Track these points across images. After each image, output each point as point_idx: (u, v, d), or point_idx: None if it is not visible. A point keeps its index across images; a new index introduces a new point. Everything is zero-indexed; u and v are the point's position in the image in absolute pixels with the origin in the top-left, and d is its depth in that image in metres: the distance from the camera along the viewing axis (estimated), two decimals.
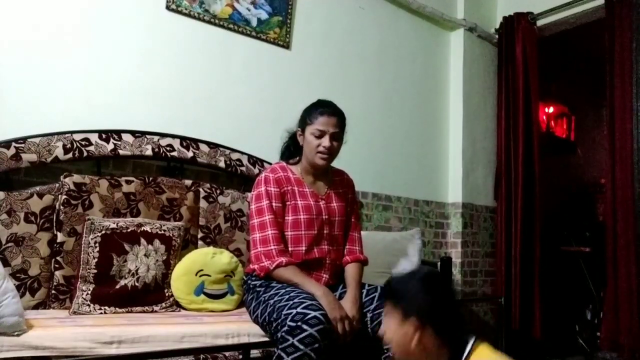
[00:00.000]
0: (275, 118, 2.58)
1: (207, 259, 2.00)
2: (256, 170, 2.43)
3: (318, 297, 1.56)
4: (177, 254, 2.01)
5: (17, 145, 1.87)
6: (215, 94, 2.47)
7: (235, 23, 2.54)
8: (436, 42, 3.52)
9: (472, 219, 3.47)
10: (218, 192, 2.26)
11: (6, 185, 1.85)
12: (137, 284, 1.85)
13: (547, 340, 3.33)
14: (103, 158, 2.08)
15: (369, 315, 1.68)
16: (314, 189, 1.86)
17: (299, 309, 1.45)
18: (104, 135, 2.07)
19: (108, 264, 1.82)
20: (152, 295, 1.89)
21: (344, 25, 3.00)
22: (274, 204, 1.76)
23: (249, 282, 1.79)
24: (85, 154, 2.01)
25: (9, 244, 1.77)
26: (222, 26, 2.50)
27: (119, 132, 2.11)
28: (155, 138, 2.19)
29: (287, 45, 2.73)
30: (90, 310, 1.75)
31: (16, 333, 1.38)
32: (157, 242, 1.94)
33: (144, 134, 2.17)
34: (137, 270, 1.86)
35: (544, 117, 4.80)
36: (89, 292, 1.77)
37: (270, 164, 2.46)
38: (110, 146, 2.07)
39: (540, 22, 3.54)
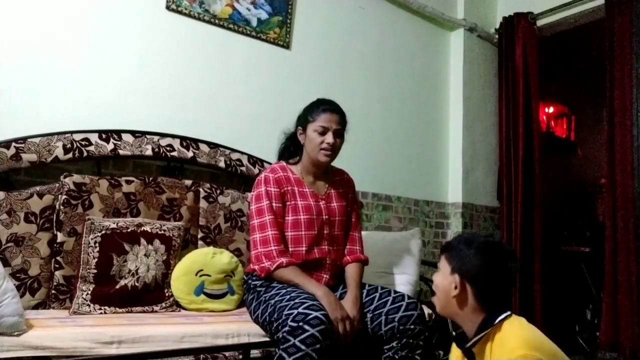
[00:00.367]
0: (275, 118, 2.58)
1: (207, 259, 2.00)
2: (256, 170, 2.43)
3: (319, 297, 1.56)
4: (177, 254, 2.00)
5: (17, 145, 1.87)
6: (215, 94, 2.47)
7: (235, 23, 2.54)
8: (436, 42, 3.52)
9: (472, 219, 3.47)
10: (218, 192, 2.26)
11: (6, 185, 1.85)
12: (137, 284, 1.85)
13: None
14: (103, 158, 2.08)
15: (369, 315, 1.68)
16: (314, 189, 1.86)
17: (300, 309, 1.45)
18: (104, 135, 2.07)
19: (108, 264, 1.82)
20: (152, 295, 1.89)
21: (344, 25, 3.00)
22: (274, 205, 1.76)
23: (250, 282, 1.79)
24: (85, 154, 2.01)
25: (9, 244, 1.77)
26: (222, 26, 2.50)
27: (119, 132, 2.11)
28: (155, 138, 2.19)
29: (287, 45, 2.73)
30: (90, 310, 1.74)
31: (16, 333, 1.38)
32: (157, 242, 1.94)
33: (144, 134, 2.17)
34: (137, 270, 1.86)
35: (544, 117, 4.80)
36: (89, 292, 1.77)
37: (270, 164, 2.46)
38: (110, 146, 2.07)
39: (540, 22, 3.54)
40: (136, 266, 1.87)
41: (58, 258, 1.83)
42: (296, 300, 1.51)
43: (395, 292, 1.74)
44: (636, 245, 2.84)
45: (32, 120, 1.98)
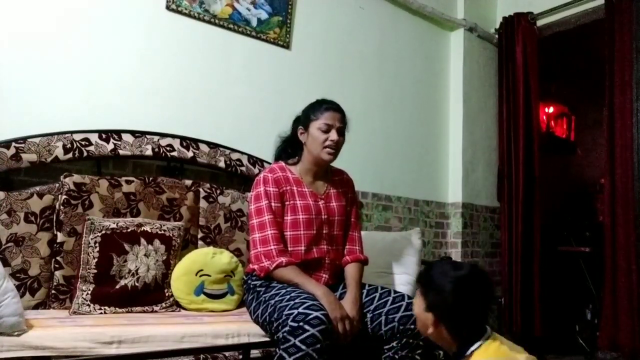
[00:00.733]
0: (275, 118, 2.58)
1: (207, 259, 2.00)
2: (256, 170, 2.43)
3: (318, 296, 1.56)
4: (177, 254, 2.00)
5: (17, 145, 1.87)
6: (215, 94, 2.47)
7: (235, 23, 2.54)
8: (436, 42, 3.52)
9: (472, 219, 3.47)
10: (218, 192, 2.26)
11: (6, 185, 1.85)
12: (137, 284, 1.85)
13: (547, 339, 3.33)
14: (103, 158, 2.08)
15: (369, 315, 1.68)
16: (313, 189, 1.86)
17: (300, 309, 1.45)
18: (104, 135, 2.07)
19: (108, 264, 1.82)
20: (152, 295, 1.89)
21: (344, 25, 3.00)
22: (273, 204, 1.76)
23: (249, 282, 1.78)
24: (85, 154, 2.01)
25: (9, 244, 1.77)
26: (222, 26, 2.50)
27: (119, 132, 2.11)
28: (155, 138, 2.19)
29: (287, 45, 2.73)
30: (90, 310, 1.74)
31: (16, 333, 1.38)
32: (157, 242, 1.94)
33: (144, 134, 2.17)
34: (137, 270, 1.86)
35: (544, 117, 4.80)
36: (89, 292, 1.77)
37: (270, 164, 2.47)
38: (110, 146, 2.07)
39: (540, 22, 3.55)
40: (136, 266, 1.87)
41: (58, 258, 1.83)
42: (296, 300, 1.51)
43: (395, 292, 1.74)
44: (636, 245, 2.84)
45: (32, 120, 1.98)
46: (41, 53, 2.04)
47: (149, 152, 2.16)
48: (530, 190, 3.43)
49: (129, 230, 1.90)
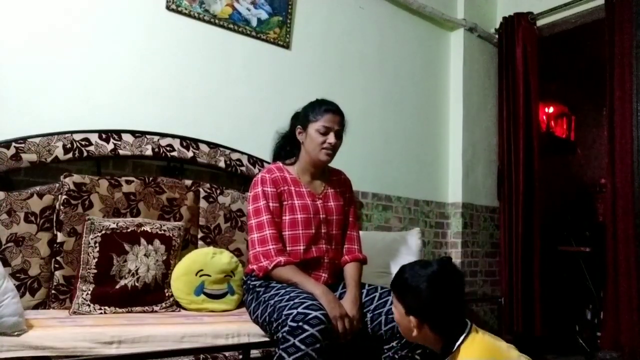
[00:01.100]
0: (275, 118, 2.56)
1: (207, 259, 2.00)
2: (256, 170, 2.43)
3: (317, 295, 1.56)
4: (177, 254, 2.00)
5: (17, 145, 1.87)
6: (215, 94, 2.47)
7: (235, 23, 2.54)
8: (436, 42, 3.52)
9: (472, 219, 3.47)
10: (218, 192, 2.26)
11: (6, 185, 1.85)
12: (137, 284, 1.85)
13: (547, 339, 3.34)
14: (103, 158, 2.08)
15: (369, 315, 1.68)
16: (311, 189, 1.87)
17: (299, 309, 1.45)
18: (104, 135, 2.07)
19: (108, 264, 1.82)
20: (152, 295, 1.89)
21: (344, 25, 3.00)
22: (271, 204, 1.77)
23: (249, 282, 1.79)
24: (85, 154, 2.01)
25: (9, 244, 1.77)
26: (222, 26, 2.50)
27: (119, 132, 2.11)
28: (155, 138, 2.19)
29: (287, 45, 2.73)
30: (90, 310, 1.74)
31: (16, 333, 1.38)
32: (157, 242, 1.94)
33: (144, 134, 2.17)
34: (137, 270, 1.86)
35: (544, 117, 4.80)
36: (89, 292, 1.77)
37: (270, 164, 2.46)
38: (110, 146, 2.07)
39: (540, 22, 3.54)
40: (136, 266, 1.87)
41: (58, 258, 1.83)
42: (295, 300, 1.51)
43: None
44: (636, 244, 2.84)
45: (32, 120, 1.98)
46: (41, 53, 2.04)
47: (149, 152, 2.16)
48: (530, 190, 3.43)
49: (129, 230, 1.90)
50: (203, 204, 2.21)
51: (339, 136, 1.81)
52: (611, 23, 3.05)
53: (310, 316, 1.43)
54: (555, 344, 3.45)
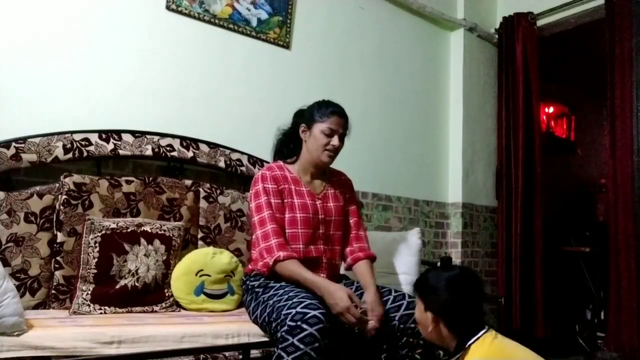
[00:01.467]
0: (275, 118, 2.56)
1: (207, 259, 2.00)
2: (256, 170, 2.43)
3: (320, 287, 1.56)
4: (177, 254, 2.00)
5: (17, 145, 1.87)
6: (215, 94, 2.47)
7: (235, 23, 2.54)
8: (436, 42, 3.52)
9: (472, 219, 3.47)
10: (218, 192, 2.26)
11: (6, 185, 1.85)
12: (137, 284, 1.85)
13: (548, 339, 3.33)
14: (103, 158, 2.08)
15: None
16: (311, 188, 1.87)
17: (298, 309, 1.45)
18: (104, 135, 2.07)
19: (108, 264, 1.82)
20: (152, 295, 1.89)
21: (344, 25, 3.00)
22: (272, 200, 1.77)
23: (248, 282, 1.79)
24: (85, 154, 2.01)
25: (9, 244, 1.77)
26: (222, 26, 2.50)
27: (119, 132, 2.11)
28: (155, 138, 2.19)
29: (287, 45, 2.73)
30: (90, 310, 1.74)
31: (16, 333, 1.38)
32: (157, 242, 1.94)
33: (144, 134, 2.17)
34: (137, 270, 1.86)
35: (544, 117, 4.79)
36: (89, 292, 1.77)
37: (270, 163, 2.46)
38: (110, 146, 2.07)
39: (540, 22, 3.55)
40: (136, 266, 1.87)
41: (58, 258, 1.83)
42: (294, 300, 1.51)
43: (396, 291, 1.74)
44: (636, 244, 2.84)
45: (32, 120, 1.98)
46: (41, 53, 2.04)
47: (149, 152, 2.16)
48: (530, 190, 3.43)
49: (129, 230, 1.90)
50: (203, 204, 2.20)
51: (342, 139, 1.82)
52: (611, 23, 3.05)
53: (308, 315, 1.43)
54: (555, 344, 3.44)
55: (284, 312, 1.47)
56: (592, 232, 4.04)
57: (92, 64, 2.15)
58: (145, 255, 1.90)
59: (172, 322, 1.68)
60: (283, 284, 1.66)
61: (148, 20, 2.30)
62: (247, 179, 2.41)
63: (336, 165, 1.96)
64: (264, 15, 2.64)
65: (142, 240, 1.91)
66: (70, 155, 1.97)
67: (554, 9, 3.43)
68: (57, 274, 1.82)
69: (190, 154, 2.26)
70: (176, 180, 2.18)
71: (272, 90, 2.66)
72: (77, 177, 1.92)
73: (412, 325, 1.60)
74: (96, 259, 1.81)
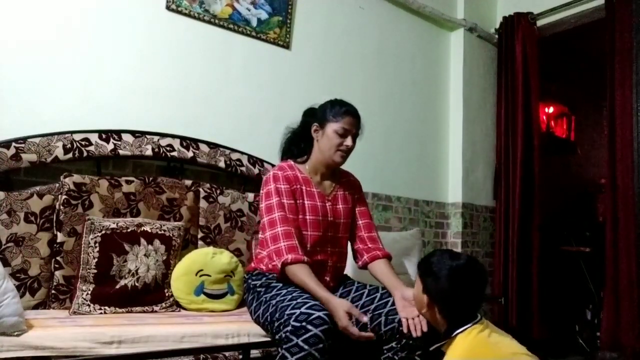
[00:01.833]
0: (275, 118, 2.58)
1: (207, 259, 2.00)
2: (256, 170, 2.43)
3: (330, 307, 1.51)
4: (177, 254, 2.00)
5: (17, 145, 1.87)
6: (215, 94, 2.47)
7: (235, 23, 2.54)
8: (436, 42, 3.52)
9: (472, 219, 3.47)
10: (218, 192, 2.26)
11: (6, 185, 1.85)
12: (137, 284, 1.85)
13: (547, 340, 3.33)
14: (103, 158, 2.08)
15: (368, 315, 1.68)
16: (321, 189, 1.84)
17: (302, 309, 1.44)
18: (104, 135, 2.07)
19: (108, 264, 1.82)
20: (152, 295, 1.89)
21: (344, 25, 3.00)
22: (285, 201, 1.73)
23: (249, 281, 1.78)
24: (85, 154, 2.01)
25: (9, 244, 1.77)
26: (222, 26, 2.50)
27: (119, 132, 2.11)
28: (155, 138, 2.19)
29: (287, 45, 2.73)
30: (90, 310, 1.74)
31: (16, 333, 1.38)
32: (157, 242, 1.94)
33: (144, 134, 2.17)
34: (137, 270, 1.86)
35: (544, 117, 4.80)
36: (89, 292, 1.77)
37: (270, 163, 2.47)
38: (110, 146, 2.07)
39: (540, 22, 3.54)
40: (136, 266, 1.87)
41: (58, 258, 1.83)
42: (298, 300, 1.50)
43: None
44: (636, 244, 2.84)
45: (32, 120, 1.98)
46: (41, 53, 2.04)
47: (149, 152, 2.16)
48: (528, 190, 3.42)
49: (129, 230, 1.90)
50: (203, 204, 2.20)
51: (354, 140, 1.81)
52: (611, 23, 3.05)
53: (313, 316, 1.42)
54: (555, 344, 3.44)
55: (287, 312, 1.47)
56: (592, 232, 4.04)
57: (92, 64, 2.15)
58: (145, 255, 1.90)
59: (172, 322, 1.68)
60: (285, 283, 1.66)
61: (148, 20, 2.30)
62: (247, 179, 2.41)
63: None
64: (264, 15, 2.64)
65: (142, 240, 1.91)
66: (70, 155, 1.97)
67: (554, 9, 3.43)
68: (57, 274, 1.82)
69: (190, 154, 2.26)
70: (176, 180, 2.18)
71: (272, 90, 2.66)
72: (77, 177, 1.92)
73: None
74: (96, 259, 1.81)
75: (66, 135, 1.98)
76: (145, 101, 2.27)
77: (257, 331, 1.66)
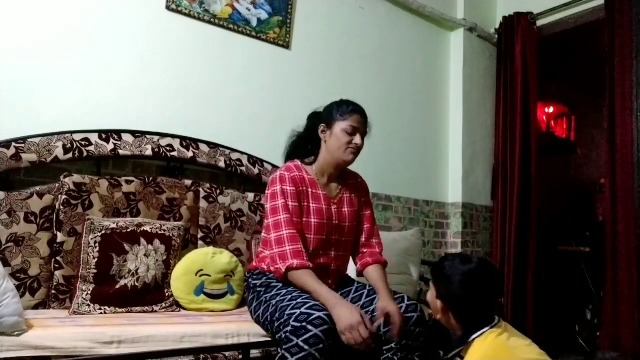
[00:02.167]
0: (275, 118, 2.58)
1: (207, 259, 2.00)
2: (256, 170, 2.43)
3: (330, 306, 1.48)
4: (177, 254, 2.01)
5: (17, 145, 1.87)
6: (215, 94, 2.47)
7: (235, 23, 2.54)
8: (436, 42, 3.52)
9: (472, 219, 3.47)
10: (218, 192, 2.26)
11: (6, 185, 1.85)
12: (137, 284, 1.85)
13: (544, 339, 3.33)
14: (103, 158, 2.08)
15: (369, 315, 1.67)
16: (327, 192, 1.82)
17: (302, 309, 1.44)
18: (104, 135, 2.07)
19: (108, 264, 1.82)
20: (152, 295, 1.89)
21: (344, 25, 3.00)
22: (290, 203, 1.71)
23: (250, 280, 1.78)
24: (85, 154, 2.01)
25: (9, 244, 1.77)
26: (222, 26, 2.50)
27: (119, 132, 2.11)
28: (155, 138, 2.19)
29: (287, 45, 2.73)
30: (90, 310, 1.75)
31: (16, 333, 1.38)
32: (157, 242, 1.94)
33: (144, 134, 2.17)
34: (137, 270, 1.86)
35: (544, 117, 4.80)
36: (89, 292, 1.77)
37: (270, 163, 2.47)
38: (110, 146, 2.07)
39: (540, 22, 3.55)
40: (136, 266, 1.87)
41: (58, 258, 1.83)
42: (298, 300, 1.50)
43: (396, 293, 1.73)
44: (636, 244, 2.84)
45: (32, 120, 1.98)
46: (41, 53, 2.04)
47: (149, 152, 2.16)
48: (526, 190, 3.42)
49: (129, 230, 1.90)
50: (203, 204, 2.20)
51: (363, 138, 1.80)
52: (611, 23, 3.05)
53: (313, 317, 1.42)
54: (554, 344, 3.44)
55: (287, 312, 1.46)
56: (592, 232, 4.04)
57: (92, 64, 2.15)
58: (145, 255, 1.90)
59: (172, 322, 1.68)
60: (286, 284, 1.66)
61: (148, 20, 2.30)
62: (247, 179, 2.41)
63: None
64: (264, 15, 2.64)
65: (142, 240, 1.91)
66: (70, 155, 1.97)
67: (554, 9, 3.43)
68: (57, 274, 1.82)
69: (190, 154, 2.26)
70: (176, 180, 2.19)
71: (272, 90, 2.66)
72: (77, 177, 1.92)
73: (411, 328, 1.60)
74: (96, 259, 1.81)
75: (66, 135, 1.98)
76: (145, 101, 2.27)
77: (257, 331, 1.66)
